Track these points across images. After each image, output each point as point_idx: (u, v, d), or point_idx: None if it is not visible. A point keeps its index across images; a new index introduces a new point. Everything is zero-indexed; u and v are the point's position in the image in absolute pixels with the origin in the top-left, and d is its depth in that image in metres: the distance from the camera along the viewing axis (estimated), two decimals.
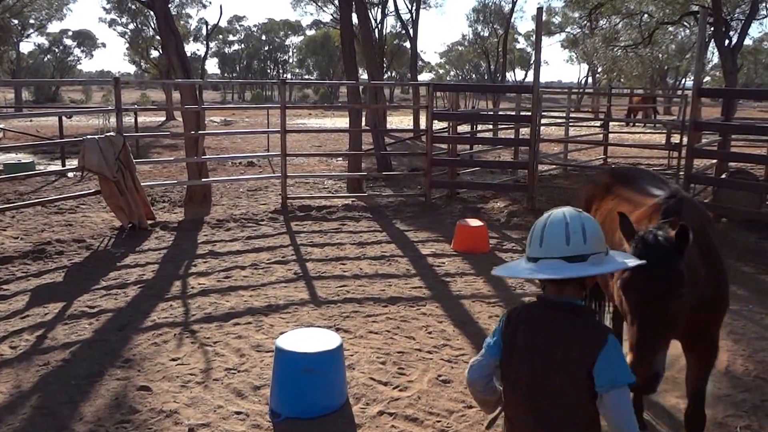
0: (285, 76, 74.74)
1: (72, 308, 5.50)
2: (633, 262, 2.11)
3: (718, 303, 3.04)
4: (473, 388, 2.25)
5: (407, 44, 38.67)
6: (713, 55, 35.11)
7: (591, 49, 25.17)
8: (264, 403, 3.92)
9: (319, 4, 40.70)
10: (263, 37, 76.58)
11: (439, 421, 3.75)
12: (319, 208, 9.66)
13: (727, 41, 14.91)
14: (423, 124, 15.99)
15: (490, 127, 14.79)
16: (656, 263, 2.36)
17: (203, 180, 10.09)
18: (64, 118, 16.18)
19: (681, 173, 9.32)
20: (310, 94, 62.99)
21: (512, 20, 48.80)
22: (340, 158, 15.06)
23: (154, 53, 41.44)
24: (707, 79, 41.85)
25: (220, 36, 70.67)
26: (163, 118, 28.41)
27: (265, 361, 4.44)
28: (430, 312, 5.51)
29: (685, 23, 20.74)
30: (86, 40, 57.59)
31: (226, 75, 77.02)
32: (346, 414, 3.83)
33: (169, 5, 11.90)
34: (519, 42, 63.61)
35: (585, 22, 29.44)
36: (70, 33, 56.56)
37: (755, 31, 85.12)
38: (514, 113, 14.49)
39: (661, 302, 2.37)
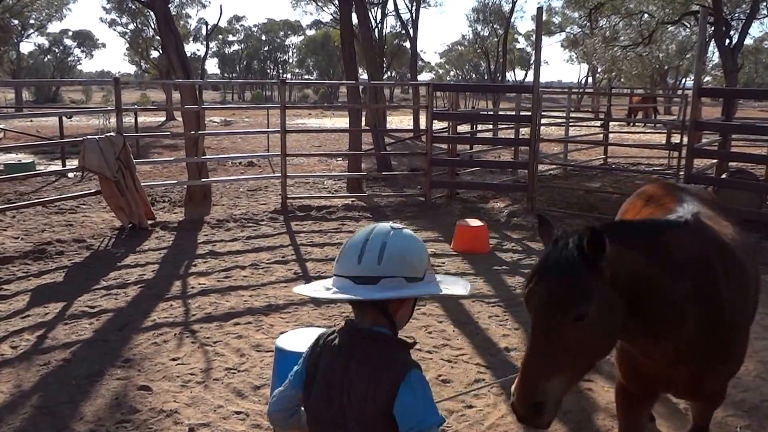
0: (285, 76, 74.71)
1: (72, 308, 5.51)
2: (443, 290, 1.80)
3: (716, 355, 2.41)
4: (273, 421, 1.94)
5: (407, 44, 38.76)
6: (714, 55, 35.11)
7: (591, 49, 25.14)
8: (264, 403, 3.92)
9: (319, 4, 40.78)
10: (263, 37, 76.54)
11: None
12: (319, 208, 9.66)
13: (727, 41, 14.94)
14: (423, 124, 15.98)
15: (490, 127, 14.81)
16: (551, 273, 2.04)
17: (203, 180, 10.10)
18: (64, 118, 16.19)
19: (681, 173, 9.32)
20: (310, 94, 63.02)
21: (512, 20, 48.98)
22: (340, 158, 15.06)
23: (154, 53, 41.51)
24: (708, 78, 41.83)
25: (220, 36, 70.65)
26: (163, 118, 28.40)
27: (265, 361, 4.45)
28: (430, 312, 5.51)
29: (685, 23, 20.76)
30: (86, 41, 57.58)
31: (226, 75, 77.00)
32: None
33: (169, 5, 11.91)
34: (519, 42, 63.74)
35: (585, 22, 29.44)
36: (70, 33, 56.61)
37: (756, 30, 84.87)
38: (514, 113, 14.51)
39: (553, 320, 2.01)
